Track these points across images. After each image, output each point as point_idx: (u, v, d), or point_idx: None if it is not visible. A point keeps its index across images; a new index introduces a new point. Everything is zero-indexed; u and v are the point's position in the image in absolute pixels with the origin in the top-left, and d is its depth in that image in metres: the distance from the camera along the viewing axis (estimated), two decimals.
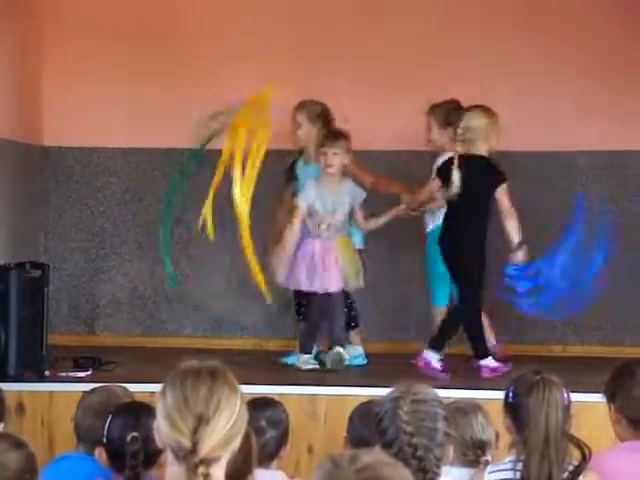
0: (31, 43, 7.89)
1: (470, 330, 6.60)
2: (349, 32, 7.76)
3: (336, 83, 7.48)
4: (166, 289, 7.92)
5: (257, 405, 4.20)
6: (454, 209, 6.53)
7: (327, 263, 6.67)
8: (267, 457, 4.15)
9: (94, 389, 4.44)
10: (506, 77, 7.57)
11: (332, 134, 6.87)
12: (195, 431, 2.71)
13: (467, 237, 6.49)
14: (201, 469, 2.70)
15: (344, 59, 7.69)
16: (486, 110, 6.61)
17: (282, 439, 4.24)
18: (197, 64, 7.79)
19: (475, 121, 6.54)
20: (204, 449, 2.71)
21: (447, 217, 6.63)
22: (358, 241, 7.01)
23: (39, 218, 7.97)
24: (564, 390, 3.60)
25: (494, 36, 7.69)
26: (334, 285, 6.66)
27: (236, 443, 2.81)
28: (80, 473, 3.87)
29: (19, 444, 3.20)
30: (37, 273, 6.19)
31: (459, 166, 6.40)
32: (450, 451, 3.36)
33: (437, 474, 3.17)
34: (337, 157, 6.76)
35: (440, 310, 6.92)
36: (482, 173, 6.46)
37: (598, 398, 4.15)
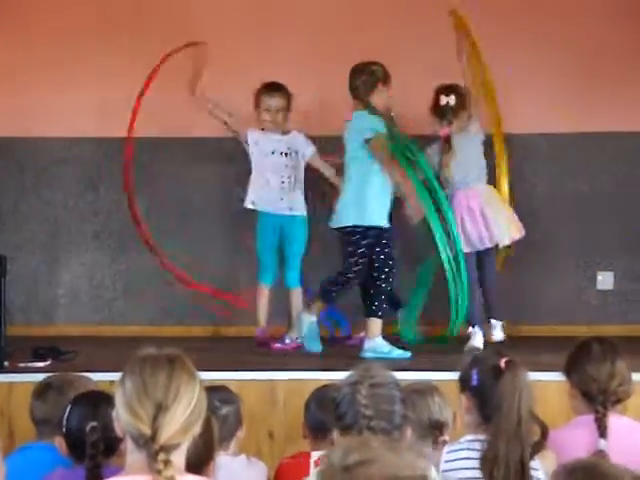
0: None
1: None
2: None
3: None
4: (123, 278, 7.90)
5: (208, 389, 4.21)
6: None
7: None
8: (227, 435, 4.14)
9: (48, 377, 4.40)
10: None
11: None
12: (155, 418, 2.70)
13: None
14: (161, 456, 2.69)
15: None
16: None
17: (236, 417, 4.24)
18: (150, 49, 7.69)
19: None
20: (164, 436, 2.70)
21: None
22: None
23: None
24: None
25: None
26: None
27: (196, 429, 2.80)
28: (41, 463, 3.85)
29: None
30: None
31: None
32: (408, 432, 3.37)
33: None
34: None
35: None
36: None
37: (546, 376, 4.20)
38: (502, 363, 3.60)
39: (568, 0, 7.80)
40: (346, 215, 6.63)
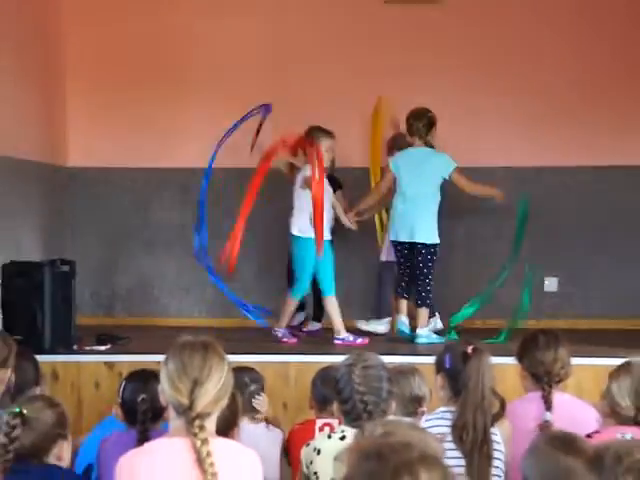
0: (57, 79, 7.80)
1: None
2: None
3: None
4: (169, 279, 7.89)
5: (241, 369, 4.22)
6: None
7: None
8: (251, 407, 4.14)
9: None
10: None
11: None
12: (192, 392, 2.70)
13: None
14: (197, 422, 2.69)
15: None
16: None
17: (259, 392, 4.24)
18: (196, 96, 7.73)
19: None
20: (199, 406, 2.70)
21: None
22: None
23: (67, 224, 7.90)
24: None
25: None
26: None
27: (224, 401, 2.79)
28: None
29: (53, 404, 3.19)
30: (66, 268, 6.14)
31: None
32: (393, 405, 3.38)
33: None
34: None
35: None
36: None
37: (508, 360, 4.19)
38: (469, 350, 3.60)
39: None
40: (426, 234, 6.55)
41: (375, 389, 3.27)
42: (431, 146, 6.61)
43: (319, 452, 3.29)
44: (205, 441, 2.67)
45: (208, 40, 7.80)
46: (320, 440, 3.36)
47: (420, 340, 6.45)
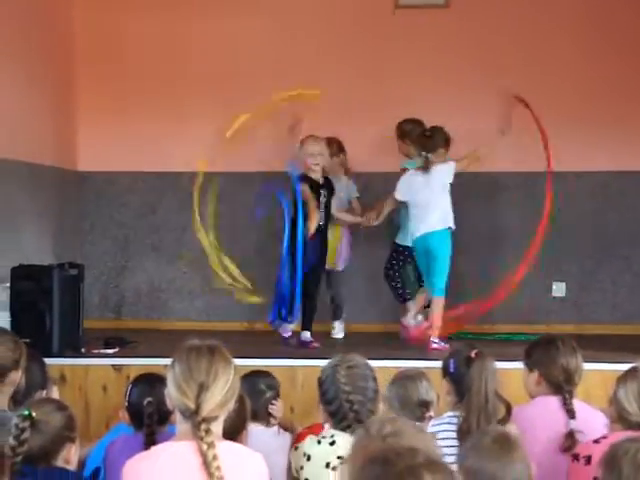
0: (68, 85, 7.83)
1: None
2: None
3: None
4: (177, 283, 7.89)
5: (258, 374, 4.21)
6: None
7: None
8: (267, 413, 4.13)
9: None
10: None
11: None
12: (198, 395, 2.70)
13: None
14: (203, 426, 2.68)
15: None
16: None
17: (275, 398, 4.23)
18: (205, 101, 7.76)
19: None
20: (205, 410, 2.70)
21: None
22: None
23: (75, 228, 7.91)
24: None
25: None
26: None
27: (231, 405, 2.79)
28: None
29: (61, 407, 3.19)
30: (74, 271, 6.16)
31: None
32: (380, 406, 3.37)
33: None
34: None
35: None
36: None
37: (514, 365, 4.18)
38: (472, 354, 3.60)
39: None
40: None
41: (361, 389, 3.25)
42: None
43: (309, 458, 3.25)
44: (211, 445, 2.66)
45: (218, 48, 7.81)
46: (309, 445, 3.30)
47: None
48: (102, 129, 7.89)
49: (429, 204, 6.46)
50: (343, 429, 3.23)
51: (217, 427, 2.75)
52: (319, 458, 3.18)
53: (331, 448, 3.19)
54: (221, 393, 2.73)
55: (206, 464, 2.63)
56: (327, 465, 3.17)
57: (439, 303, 6.46)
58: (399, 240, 7.06)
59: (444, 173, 6.47)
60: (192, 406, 2.70)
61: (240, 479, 2.73)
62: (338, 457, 3.12)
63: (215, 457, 2.65)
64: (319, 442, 3.26)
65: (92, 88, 7.88)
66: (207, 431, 2.68)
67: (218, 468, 2.64)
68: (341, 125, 7.29)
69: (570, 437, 3.59)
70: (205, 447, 2.66)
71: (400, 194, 6.60)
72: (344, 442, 3.10)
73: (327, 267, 6.85)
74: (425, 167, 6.49)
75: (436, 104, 7.28)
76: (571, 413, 3.72)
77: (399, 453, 1.91)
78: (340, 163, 7.21)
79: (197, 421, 2.69)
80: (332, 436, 3.24)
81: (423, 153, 6.52)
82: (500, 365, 3.70)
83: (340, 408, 3.25)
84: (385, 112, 7.36)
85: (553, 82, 7.63)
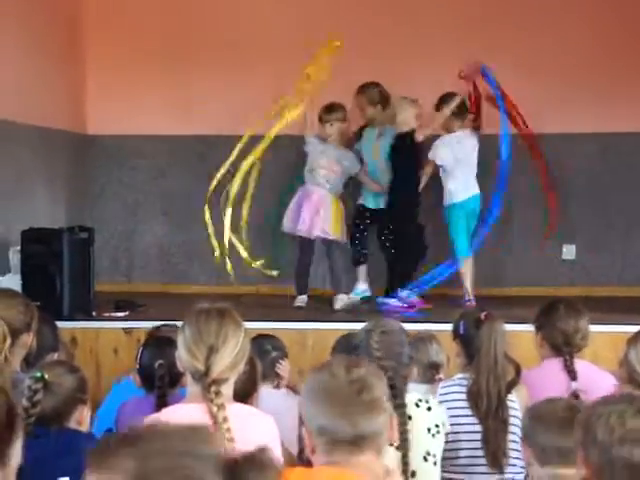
0: (75, 47, 7.78)
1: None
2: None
3: None
4: (187, 247, 7.89)
5: (263, 337, 4.21)
6: None
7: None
8: (274, 373, 4.14)
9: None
10: None
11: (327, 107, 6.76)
12: (207, 358, 2.71)
13: None
14: (213, 388, 2.69)
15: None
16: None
17: (282, 359, 4.23)
18: (214, 63, 7.68)
19: None
20: (215, 372, 2.71)
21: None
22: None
23: (86, 192, 7.90)
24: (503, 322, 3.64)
25: None
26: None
27: (240, 367, 2.80)
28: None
29: (73, 369, 3.21)
30: (84, 235, 6.16)
31: None
32: (414, 371, 3.37)
33: (404, 390, 3.17)
34: (333, 127, 6.70)
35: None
36: None
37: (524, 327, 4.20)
38: (482, 316, 3.60)
39: None
40: None
41: (394, 354, 3.21)
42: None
43: None
44: (221, 406, 2.67)
45: (226, 8, 7.75)
46: None
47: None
48: (111, 91, 7.84)
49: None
50: None
51: (227, 389, 2.76)
52: None
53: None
54: (230, 355, 2.74)
55: (216, 425, 2.65)
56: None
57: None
58: (363, 201, 7.04)
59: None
60: (202, 368, 2.71)
61: (251, 440, 2.73)
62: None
63: (225, 419, 2.66)
64: None
65: (100, 50, 7.83)
66: (217, 393, 2.69)
67: (228, 430, 2.65)
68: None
69: (574, 398, 3.61)
70: (215, 409, 2.67)
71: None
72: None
73: (330, 237, 6.76)
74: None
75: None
76: (572, 374, 3.77)
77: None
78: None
79: (207, 383, 2.70)
80: None
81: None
82: (510, 327, 3.70)
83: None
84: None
85: (561, 48, 7.56)
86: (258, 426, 2.80)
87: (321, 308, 6.66)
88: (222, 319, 2.78)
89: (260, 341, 4.15)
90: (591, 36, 7.55)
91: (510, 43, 7.44)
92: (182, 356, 2.77)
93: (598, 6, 7.58)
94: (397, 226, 6.71)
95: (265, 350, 4.11)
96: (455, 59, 6.83)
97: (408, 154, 6.60)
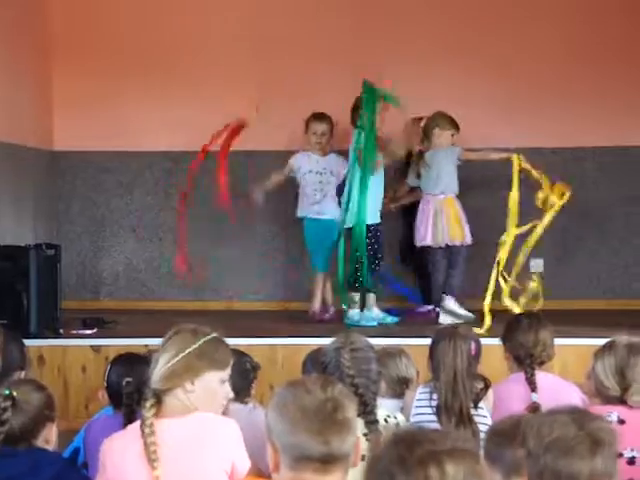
0: (43, 63, 7.77)
1: None
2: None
3: None
4: (154, 263, 7.87)
5: (242, 354, 4.19)
6: None
7: None
8: (247, 391, 4.14)
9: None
10: None
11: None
12: (153, 368, 2.84)
13: None
14: (150, 401, 2.80)
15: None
16: None
17: (254, 376, 4.23)
18: (181, 81, 7.69)
19: None
20: (153, 381, 2.82)
21: None
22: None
23: (52, 209, 7.87)
24: (472, 341, 3.65)
25: None
26: None
27: (185, 377, 2.85)
28: None
29: (40, 387, 3.19)
30: (51, 252, 6.13)
31: None
32: (383, 385, 3.38)
33: (375, 406, 3.19)
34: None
35: None
36: None
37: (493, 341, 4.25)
38: (446, 333, 3.65)
39: None
40: None
41: (365, 371, 3.22)
42: None
43: None
44: (147, 421, 2.69)
45: (193, 25, 7.77)
46: None
47: None
48: (78, 107, 7.83)
49: None
50: None
51: (172, 400, 2.78)
52: None
53: None
54: (165, 365, 2.76)
55: (145, 444, 2.69)
56: None
57: None
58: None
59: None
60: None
61: (211, 447, 2.75)
62: None
63: (152, 433, 2.68)
64: None
65: (66, 66, 7.81)
66: (151, 405, 2.72)
67: (154, 443, 2.67)
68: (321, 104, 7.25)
69: (533, 411, 3.64)
70: (143, 424, 2.71)
71: None
72: None
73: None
74: None
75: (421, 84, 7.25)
76: (533, 386, 3.81)
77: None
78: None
79: (146, 395, 2.73)
80: None
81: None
82: (487, 342, 3.73)
83: None
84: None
85: (528, 62, 7.64)
86: (219, 432, 2.82)
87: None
88: (183, 334, 2.81)
89: (241, 358, 4.15)
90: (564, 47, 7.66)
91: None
92: None
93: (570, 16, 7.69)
94: None
95: (246, 369, 4.11)
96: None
97: None
